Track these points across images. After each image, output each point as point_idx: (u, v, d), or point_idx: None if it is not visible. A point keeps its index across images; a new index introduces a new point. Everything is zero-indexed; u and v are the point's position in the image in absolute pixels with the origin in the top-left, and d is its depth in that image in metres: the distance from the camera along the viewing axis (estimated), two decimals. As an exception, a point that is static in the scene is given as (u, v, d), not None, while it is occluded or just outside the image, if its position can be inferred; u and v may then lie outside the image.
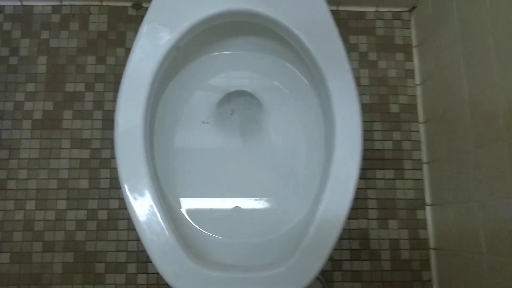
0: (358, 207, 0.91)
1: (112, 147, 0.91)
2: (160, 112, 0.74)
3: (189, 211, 0.72)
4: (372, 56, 0.97)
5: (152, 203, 0.59)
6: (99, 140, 0.92)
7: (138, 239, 0.87)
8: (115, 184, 0.90)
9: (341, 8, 0.99)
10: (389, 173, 0.93)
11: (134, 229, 0.65)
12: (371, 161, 0.93)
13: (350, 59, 0.94)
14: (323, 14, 0.66)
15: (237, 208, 0.73)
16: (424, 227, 0.91)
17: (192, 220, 0.71)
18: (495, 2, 0.66)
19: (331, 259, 0.89)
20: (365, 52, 0.98)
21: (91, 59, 0.95)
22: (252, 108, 0.79)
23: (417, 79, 0.96)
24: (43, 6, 0.97)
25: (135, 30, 0.96)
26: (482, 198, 0.70)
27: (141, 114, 0.62)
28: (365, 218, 0.91)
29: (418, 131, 0.94)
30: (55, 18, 0.97)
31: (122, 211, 0.90)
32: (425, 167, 0.93)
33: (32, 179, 0.90)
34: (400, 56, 0.97)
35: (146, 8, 0.68)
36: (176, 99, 0.77)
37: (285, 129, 0.77)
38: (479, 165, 0.71)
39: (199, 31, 0.68)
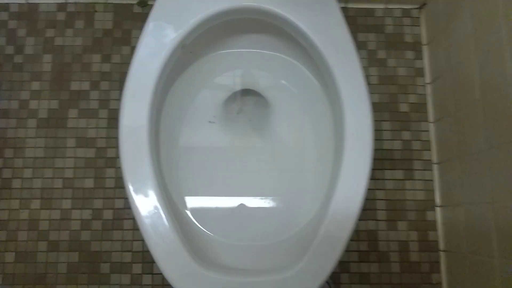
0: (366, 208, 0.90)
1: (117, 146, 0.90)
2: (165, 111, 0.73)
3: (195, 212, 0.70)
4: (381, 54, 0.96)
5: (157, 204, 0.58)
6: (104, 139, 0.91)
7: (143, 239, 0.87)
8: (121, 184, 0.90)
9: (350, 5, 0.98)
10: (399, 174, 0.91)
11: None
12: (380, 161, 0.91)
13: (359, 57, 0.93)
14: (333, 11, 0.65)
15: (244, 209, 0.71)
16: (434, 229, 0.89)
17: (197, 222, 0.70)
18: (509, -2, 0.65)
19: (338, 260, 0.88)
20: (374, 50, 0.96)
21: (96, 57, 0.95)
22: (259, 107, 0.78)
23: (427, 77, 0.95)
24: (48, 4, 0.97)
25: (141, 28, 0.94)
26: (495, 200, 0.69)
27: (146, 113, 0.61)
28: (374, 219, 0.89)
29: (428, 131, 0.93)
30: (60, 16, 0.96)
31: (128, 210, 0.89)
32: (435, 168, 0.91)
33: (37, 178, 0.90)
34: (409, 54, 0.96)
35: (152, 6, 0.67)
36: (182, 98, 0.76)
37: (293, 128, 0.76)
38: (492, 166, 0.69)
39: (205, 29, 0.67)
